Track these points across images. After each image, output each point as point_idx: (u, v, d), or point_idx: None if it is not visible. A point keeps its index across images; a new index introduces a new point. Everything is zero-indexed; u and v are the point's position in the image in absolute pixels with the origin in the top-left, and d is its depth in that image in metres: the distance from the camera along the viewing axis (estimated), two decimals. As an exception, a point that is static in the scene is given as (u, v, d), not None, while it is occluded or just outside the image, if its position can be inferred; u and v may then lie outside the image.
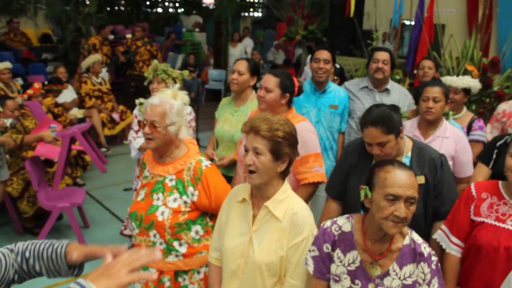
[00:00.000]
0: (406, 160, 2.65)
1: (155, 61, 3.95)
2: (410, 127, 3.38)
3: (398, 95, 4.11)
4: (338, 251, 2.05)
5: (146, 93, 3.91)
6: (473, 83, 4.03)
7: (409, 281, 1.95)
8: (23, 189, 4.92)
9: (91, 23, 10.81)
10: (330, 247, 2.06)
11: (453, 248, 2.43)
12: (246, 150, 2.12)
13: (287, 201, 2.15)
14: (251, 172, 2.09)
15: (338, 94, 4.09)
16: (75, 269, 1.74)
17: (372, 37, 7.29)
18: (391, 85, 4.17)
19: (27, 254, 1.70)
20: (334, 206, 2.88)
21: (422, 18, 6.69)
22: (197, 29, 14.30)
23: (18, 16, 11.13)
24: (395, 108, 2.62)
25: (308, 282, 2.14)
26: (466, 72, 5.11)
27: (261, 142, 2.06)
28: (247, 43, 12.85)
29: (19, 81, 7.81)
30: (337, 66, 5.46)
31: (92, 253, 1.65)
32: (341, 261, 2.05)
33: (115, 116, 7.81)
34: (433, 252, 2.01)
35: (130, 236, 4.29)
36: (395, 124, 2.53)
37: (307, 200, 2.99)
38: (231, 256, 2.21)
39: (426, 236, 2.56)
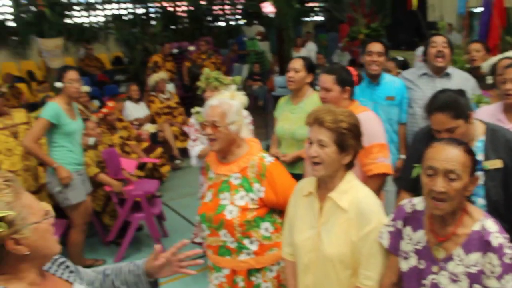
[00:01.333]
0: (479, 144, 2.53)
1: (206, 70, 4.04)
2: (494, 110, 3.20)
3: (459, 79, 3.91)
4: (408, 228, 2.02)
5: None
6: None
7: (473, 270, 1.84)
8: (104, 204, 5.22)
9: (157, 42, 11.25)
10: (402, 224, 2.03)
11: None
12: (310, 143, 2.11)
13: (351, 191, 2.12)
14: (315, 164, 2.08)
15: (394, 84, 3.99)
16: (153, 285, 1.89)
17: (437, 28, 7.07)
18: (452, 69, 4.00)
19: (107, 271, 1.87)
20: (407, 198, 2.80)
21: (491, 2, 6.40)
22: (258, 37, 14.45)
23: (91, 42, 11.81)
24: (461, 92, 2.52)
25: (382, 271, 2.09)
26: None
27: (326, 134, 2.05)
28: (311, 48, 12.81)
29: (96, 102, 8.27)
30: (400, 58, 5.35)
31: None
32: (410, 239, 2.01)
33: (187, 128, 8.04)
34: (510, 245, 1.83)
35: (200, 244, 4.40)
36: (463, 108, 2.43)
37: (376, 193, 2.94)
38: (302, 250, 2.21)
39: (509, 224, 2.38)
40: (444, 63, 3.88)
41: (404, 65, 5.47)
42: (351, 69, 3.13)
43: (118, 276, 1.85)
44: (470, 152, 1.86)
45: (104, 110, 6.17)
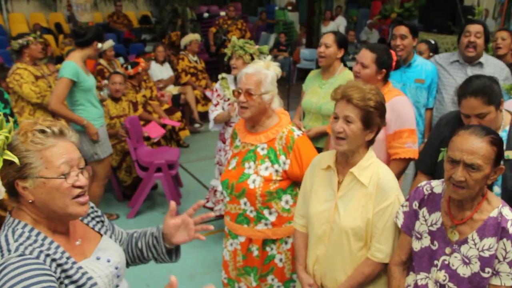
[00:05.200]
0: (503, 134, 2.51)
1: (234, 38, 4.01)
2: None
3: (492, 69, 3.81)
4: (424, 209, 2.05)
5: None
6: None
7: (486, 254, 1.86)
8: (121, 159, 5.29)
9: (187, 4, 11.14)
10: (418, 204, 2.07)
11: None
12: (336, 117, 2.11)
13: (372, 167, 2.15)
14: (340, 139, 2.09)
15: (425, 67, 3.91)
16: (173, 254, 1.93)
17: (473, 12, 6.88)
18: (485, 58, 3.89)
19: (135, 234, 1.94)
20: (424, 180, 2.78)
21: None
22: (289, 7, 14.25)
23: (121, 0, 11.76)
24: (495, 79, 2.49)
25: (394, 247, 2.14)
26: None
27: (353, 111, 2.06)
28: (340, 22, 12.62)
29: (121, 60, 8.28)
30: (432, 42, 5.23)
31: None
32: (425, 220, 2.04)
33: (209, 93, 8.05)
34: None
35: (211, 209, 4.49)
36: (496, 95, 2.41)
37: (398, 176, 2.93)
38: (317, 222, 2.24)
39: None
40: (474, 54, 3.78)
41: (436, 48, 5.35)
42: (393, 53, 3.07)
43: (142, 237, 1.90)
44: (496, 143, 1.84)
45: (139, 68, 6.18)
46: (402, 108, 2.94)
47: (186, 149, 7.11)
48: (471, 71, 3.82)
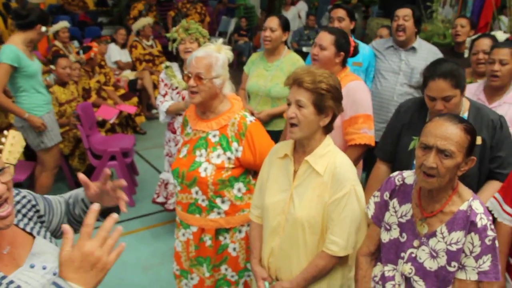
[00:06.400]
0: None
1: (184, 21, 3.89)
2: (475, 90, 3.16)
3: (426, 53, 3.90)
4: (395, 200, 2.01)
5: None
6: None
7: (454, 248, 1.84)
8: (73, 146, 5.09)
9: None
10: (389, 195, 2.03)
11: (506, 218, 2.27)
12: (289, 104, 2.05)
13: (328, 156, 2.08)
14: (292, 125, 2.03)
15: (362, 51, 3.92)
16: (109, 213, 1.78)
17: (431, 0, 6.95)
18: (419, 43, 3.97)
19: (70, 200, 1.80)
20: (384, 168, 2.78)
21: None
22: (249, -9, 14.09)
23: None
24: (460, 65, 2.48)
25: (350, 239, 2.08)
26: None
27: (304, 95, 2.00)
28: (301, 7, 12.54)
29: (75, 43, 7.99)
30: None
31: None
32: (395, 211, 2.00)
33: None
34: (492, 227, 1.84)
35: (162, 204, 4.36)
36: (462, 79, 2.40)
37: (354, 163, 2.89)
38: (272, 213, 2.17)
39: None
40: (404, 37, 3.86)
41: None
42: (351, 39, 3.04)
43: (76, 205, 1.77)
44: (470, 132, 1.81)
45: (91, 53, 5.95)
46: (357, 93, 2.90)
47: (143, 136, 6.94)
48: (405, 56, 3.94)
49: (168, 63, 4.06)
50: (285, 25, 3.78)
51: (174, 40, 3.86)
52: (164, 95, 4.00)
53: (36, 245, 1.49)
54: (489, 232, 1.81)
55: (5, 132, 2.33)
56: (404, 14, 3.83)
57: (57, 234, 1.71)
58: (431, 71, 2.41)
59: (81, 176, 1.66)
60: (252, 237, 2.37)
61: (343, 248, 2.07)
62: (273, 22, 3.74)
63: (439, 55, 3.92)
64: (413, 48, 3.93)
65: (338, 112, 2.09)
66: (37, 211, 1.61)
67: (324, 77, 2.01)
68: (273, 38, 3.73)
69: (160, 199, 4.37)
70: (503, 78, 2.99)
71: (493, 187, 2.48)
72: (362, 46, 3.99)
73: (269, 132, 2.68)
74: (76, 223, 1.78)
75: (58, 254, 1.17)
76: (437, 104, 2.40)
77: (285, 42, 3.88)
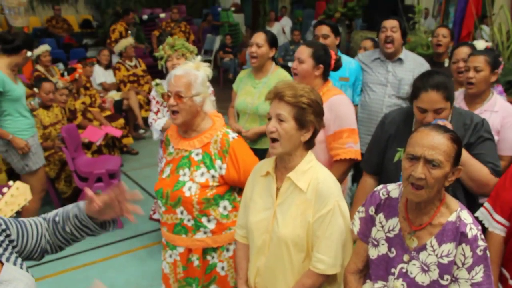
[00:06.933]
0: None
1: (169, 38, 3.87)
2: (456, 98, 3.17)
3: (413, 64, 3.92)
4: (381, 215, 1.97)
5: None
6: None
7: (445, 260, 1.80)
8: (59, 169, 5.03)
9: (129, 7, 10.86)
10: (374, 210, 1.98)
11: (496, 227, 2.26)
12: (269, 118, 2.02)
13: (311, 172, 2.04)
14: (273, 140, 2.00)
15: (349, 65, 3.94)
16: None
17: (414, 11, 7.01)
18: (405, 54, 3.98)
19: (57, 218, 1.75)
20: (370, 181, 2.75)
21: (469, -11, 6.35)
22: (233, 8, 14.17)
23: (59, 3, 11.32)
24: (450, 77, 2.48)
25: (337, 256, 2.04)
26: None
27: (285, 109, 1.97)
28: (285, 23, 12.65)
29: (60, 66, 7.94)
30: (376, 39, 5.26)
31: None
32: (382, 226, 1.96)
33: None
34: (482, 237, 1.81)
35: (159, 221, 4.29)
36: (453, 92, 2.39)
37: (340, 178, 2.87)
38: (256, 232, 2.13)
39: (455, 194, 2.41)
40: (393, 49, 3.88)
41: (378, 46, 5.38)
42: (332, 52, 3.03)
43: (66, 222, 1.74)
44: (456, 141, 1.79)
45: (76, 75, 5.92)
46: (340, 108, 2.88)
47: (130, 156, 6.89)
48: (392, 67, 3.96)
49: (158, 81, 4.05)
50: (272, 41, 3.70)
51: (161, 58, 3.85)
52: (156, 113, 3.98)
53: (5, 273, 1.45)
54: (480, 242, 1.78)
55: (11, 182, 2.30)
56: (392, 25, 3.85)
57: (34, 256, 1.69)
58: (423, 82, 2.38)
59: (88, 191, 1.66)
60: (238, 257, 2.32)
61: (331, 266, 2.03)
62: (259, 37, 3.66)
63: (426, 65, 3.95)
64: (400, 59, 3.94)
65: (319, 128, 2.06)
66: (8, 235, 1.56)
67: (305, 92, 1.99)
68: (259, 54, 3.65)
69: (156, 216, 4.34)
70: (478, 85, 3.00)
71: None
72: (349, 61, 4.00)
73: (256, 150, 2.65)
74: (64, 241, 1.76)
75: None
76: (428, 116, 2.37)
77: (273, 58, 3.80)
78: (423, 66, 3.94)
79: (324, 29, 3.89)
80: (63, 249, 1.78)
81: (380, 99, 3.91)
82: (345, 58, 3.99)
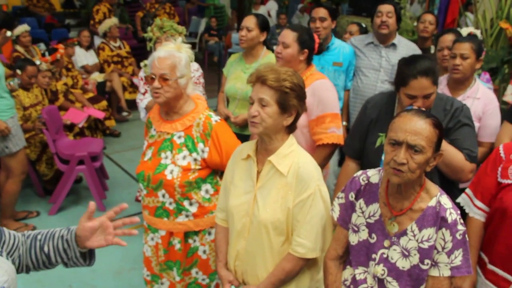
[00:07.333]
0: None
1: (158, 20, 3.83)
2: (439, 84, 3.18)
3: (405, 50, 3.90)
4: (361, 201, 1.96)
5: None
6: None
7: (425, 245, 1.81)
8: (40, 151, 4.95)
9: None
10: (354, 196, 1.97)
11: (477, 212, 2.29)
12: (252, 103, 2.00)
13: (292, 156, 2.03)
14: (254, 123, 1.98)
15: (343, 50, 3.92)
16: (88, 257, 1.70)
17: (400, -4, 7.00)
18: (398, 39, 3.98)
19: (39, 236, 1.67)
20: (353, 166, 2.74)
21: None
22: (220, -9, 14.01)
23: (41, -19, 11.06)
24: (432, 59, 2.47)
25: (317, 240, 2.04)
26: (500, 32, 4.82)
27: (268, 93, 1.95)
28: (271, 6, 12.53)
29: (41, 46, 7.78)
30: (363, 25, 5.24)
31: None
32: (362, 212, 1.95)
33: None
34: (461, 221, 1.82)
35: None
36: (438, 75, 2.40)
37: (323, 163, 2.87)
38: (236, 216, 2.12)
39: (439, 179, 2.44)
40: (387, 31, 3.86)
41: (365, 32, 5.36)
42: (315, 36, 3.00)
43: (49, 240, 1.64)
44: (438, 126, 1.79)
45: (57, 55, 5.80)
46: (323, 92, 2.87)
47: (113, 139, 6.82)
48: (385, 52, 3.94)
49: (147, 62, 4.00)
50: (262, 25, 3.61)
51: (150, 40, 3.79)
52: (144, 93, 3.94)
53: None
54: (459, 227, 1.80)
55: None
56: (388, 10, 3.82)
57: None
58: (411, 69, 2.36)
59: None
60: (217, 241, 2.32)
61: (311, 250, 2.03)
62: (249, 21, 3.59)
63: (418, 51, 3.94)
64: (393, 45, 3.93)
65: (301, 112, 2.05)
66: None
67: (288, 75, 1.97)
68: (249, 38, 3.57)
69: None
70: (464, 71, 3.02)
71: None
72: (342, 45, 3.97)
73: (245, 136, 2.62)
74: (35, 262, 1.65)
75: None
76: (417, 103, 2.35)
77: (265, 42, 3.73)
78: (416, 51, 3.92)
79: (322, 12, 3.85)
80: (28, 271, 1.66)
81: (373, 84, 3.90)
82: (338, 43, 3.97)
